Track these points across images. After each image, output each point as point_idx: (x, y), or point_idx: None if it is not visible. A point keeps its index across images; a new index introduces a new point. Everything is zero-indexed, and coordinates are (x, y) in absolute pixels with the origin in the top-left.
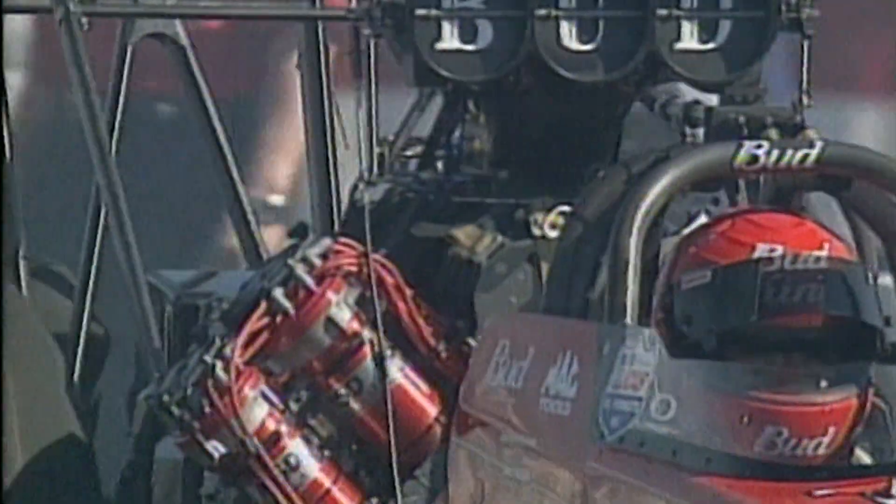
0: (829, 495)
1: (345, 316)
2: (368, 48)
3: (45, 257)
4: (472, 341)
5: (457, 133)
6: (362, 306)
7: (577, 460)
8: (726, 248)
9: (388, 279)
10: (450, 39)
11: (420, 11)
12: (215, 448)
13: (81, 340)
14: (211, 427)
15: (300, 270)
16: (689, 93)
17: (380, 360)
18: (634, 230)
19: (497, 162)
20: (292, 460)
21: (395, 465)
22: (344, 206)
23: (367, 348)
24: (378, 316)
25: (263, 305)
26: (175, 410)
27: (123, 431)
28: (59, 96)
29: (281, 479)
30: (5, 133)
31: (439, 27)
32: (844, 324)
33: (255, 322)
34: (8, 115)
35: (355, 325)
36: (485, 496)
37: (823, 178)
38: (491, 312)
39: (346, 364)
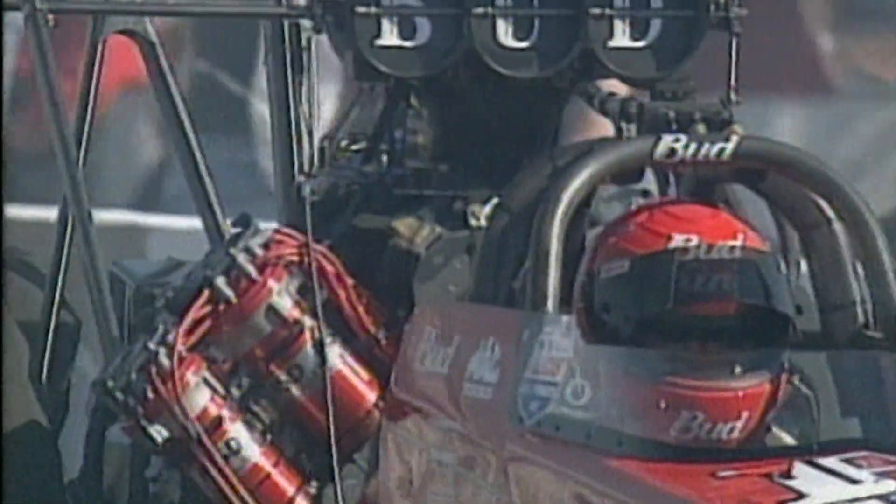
0: (733, 476)
1: (286, 304)
2: (309, 44)
3: (16, 247)
4: None
5: (399, 128)
6: (303, 295)
7: (497, 443)
8: (644, 239)
9: (329, 268)
10: (389, 36)
11: (360, 8)
12: (158, 432)
13: (52, 328)
14: (154, 412)
15: (242, 260)
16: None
17: (320, 347)
18: (556, 221)
19: (437, 155)
20: (233, 444)
21: (334, 449)
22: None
23: (307, 335)
24: (318, 304)
25: (206, 294)
26: (119, 396)
27: None
28: None
29: (222, 462)
30: None
31: (379, 24)
32: (757, 311)
33: (198, 310)
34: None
35: (296, 313)
36: (413, 478)
37: (740, 170)
38: (430, 301)
39: (287, 351)
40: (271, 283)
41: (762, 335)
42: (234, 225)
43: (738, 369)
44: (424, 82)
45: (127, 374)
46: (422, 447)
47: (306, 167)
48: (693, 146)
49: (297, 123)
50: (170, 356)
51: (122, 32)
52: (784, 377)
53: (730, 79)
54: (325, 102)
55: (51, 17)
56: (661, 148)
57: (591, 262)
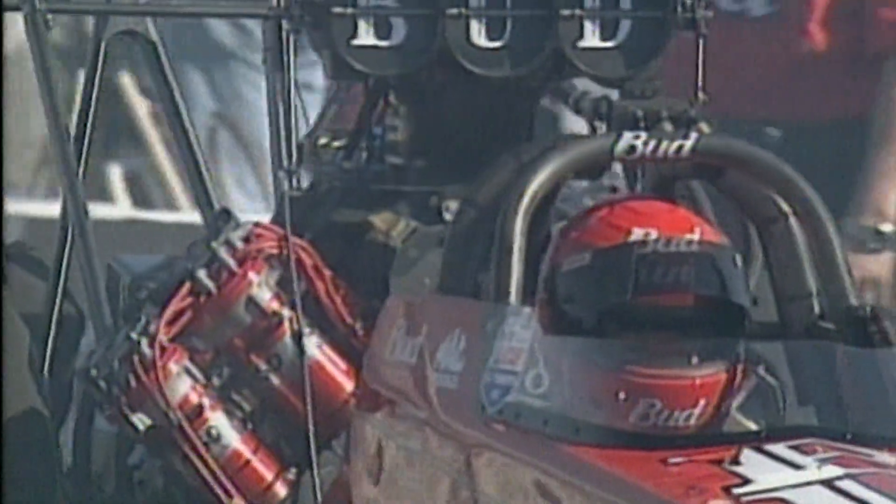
0: (684, 462)
1: (265, 296)
2: (287, 43)
3: (22, 241)
4: None
5: (377, 125)
6: (282, 287)
7: (461, 431)
8: (604, 233)
9: (308, 261)
10: (365, 36)
11: (337, 9)
12: (140, 420)
13: (54, 320)
14: (136, 400)
15: (223, 253)
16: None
17: (298, 338)
18: (519, 215)
19: (413, 152)
20: (214, 432)
21: (312, 437)
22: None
23: (286, 326)
24: (297, 296)
25: (187, 286)
26: (102, 384)
27: None
28: None
29: (202, 449)
30: None
31: (355, 24)
32: (713, 303)
33: (180, 301)
34: (1, 103)
35: (275, 305)
36: (382, 465)
37: (700, 167)
38: (401, 293)
39: (267, 341)
40: (251, 275)
41: (718, 325)
42: (215, 219)
43: (694, 359)
44: (400, 81)
45: (110, 364)
46: (390, 435)
47: (286, 163)
48: (653, 143)
49: (284, 120)
50: (152, 346)
51: (125, 33)
52: (741, 366)
53: (696, 79)
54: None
55: (49, 16)
56: (622, 145)
57: (553, 256)
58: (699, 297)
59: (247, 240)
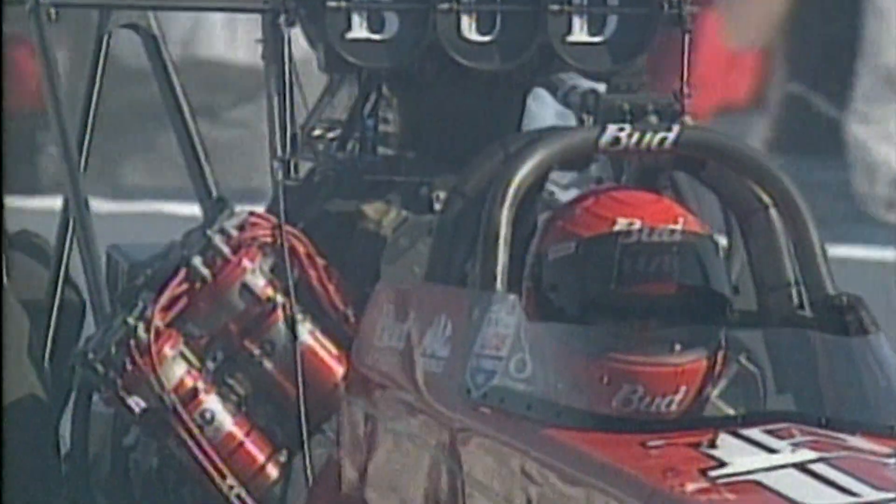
0: (662, 446)
1: (259, 282)
2: (283, 36)
3: (27, 229)
4: None
5: (370, 117)
6: (276, 274)
7: (447, 415)
8: (589, 222)
9: (301, 249)
10: (358, 29)
11: (331, 3)
12: (136, 403)
13: (56, 307)
14: (132, 383)
15: (218, 241)
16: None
17: (291, 324)
18: (506, 205)
19: (405, 143)
20: (208, 415)
21: (303, 420)
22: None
23: (279, 312)
24: (290, 283)
25: (183, 272)
26: (99, 368)
27: None
28: None
29: (196, 431)
30: None
31: (349, 18)
32: (695, 291)
33: (175, 287)
34: (3, 94)
35: (269, 291)
36: (370, 448)
37: (682, 159)
38: (391, 280)
39: (260, 327)
40: (245, 262)
41: (700, 314)
42: (211, 208)
43: (676, 346)
44: (393, 74)
45: (107, 348)
46: (379, 418)
47: (279, 153)
48: (636, 135)
49: (280, 112)
50: (148, 331)
51: (127, 26)
52: (721, 353)
53: (682, 73)
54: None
55: (53, 10)
56: (606, 137)
57: (539, 245)
58: (681, 285)
59: (241, 228)
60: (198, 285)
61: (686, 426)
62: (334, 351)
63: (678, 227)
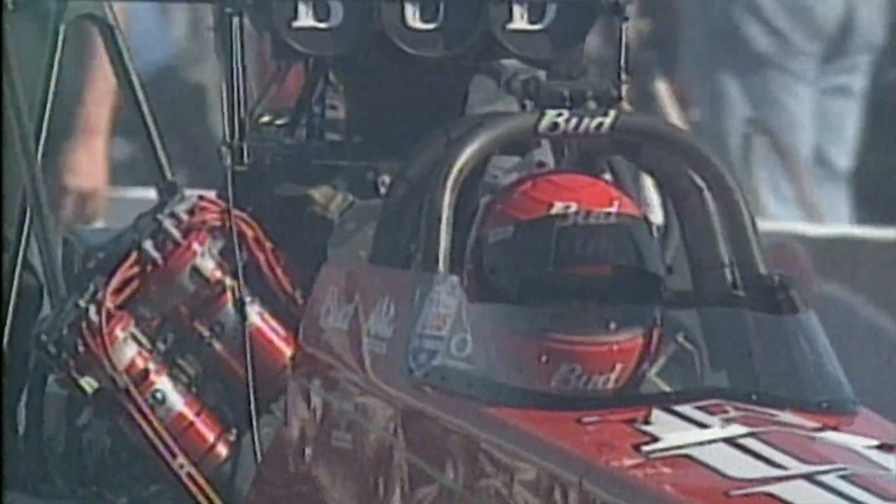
0: (597, 422)
1: (209, 266)
2: (230, 24)
3: None
4: None
5: (317, 103)
6: (225, 257)
7: (390, 394)
8: (527, 206)
9: (249, 233)
10: (305, 18)
11: None
12: (88, 384)
13: (14, 292)
14: (84, 364)
15: (168, 224)
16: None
17: (240, 306)
18: (448, 188)
19: (351, 129)
20: (159, 395)
21: (252, 400)
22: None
23: (228, 295)
24: (239, 266)
25: (134, 256)
26: (52, 349)
27: None
28: None
29: (148, 411)
30: None
31: (295, 7)
32: (630, 272)
33: (126, 270)
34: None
35: (218, 274)
36: (317, 426)
37: (619, 143)
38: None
39: (210, 309)
40: (195, 246)
41: (635, 293)
42: (161, 193)
43: (612, 325)
44: (339, 61)
45: (59, 330)
46: (325, 397)
47: (228, 139)
48: (574, 120)
49: (229, 100)
50: (99, 313)
51: (84, 17)
52: (657, 332)
53: (619, 60)
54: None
55: (9, 1)
56: (545, 122)
57: (479, 228)
58: (617, 266)
59: (191, 212)
60: (148, 268)
61: (622, 403)
62: (282, 332)
63: (614, 209)
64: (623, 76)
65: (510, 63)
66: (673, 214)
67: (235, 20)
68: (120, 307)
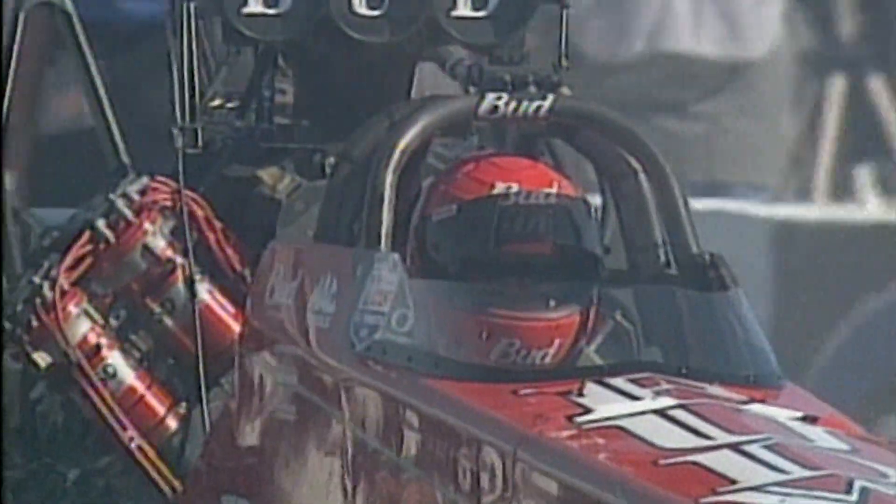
0: (533, 394)
1: (160, 244)
2: (182, 10)
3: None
4: None
5: (267, 87)
6: (176, 236)
7: (333, 367)
8: (470, 186)
9: (200, 212)
10: (254, 4)
11: None
12: (42, 358)
13: None
14: (38, 339)
15: (120, 204)
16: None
17: (190, 283)
18: (390, 168)
19: (299, 113)
20: (110, 370)
21: (201, 374)
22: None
23: (179, 272)
24: (189, 245)
25: (87, 234)
26: (6, 324)
27: None
28: None
29: (99, 385)
30: None
31: None
32: (568, 251)
33: (79, 248)
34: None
35: (169, 253)
36: (263, 399)
37: (557, 126)
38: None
39: (161, 286)
40: (147, 225)
41: (573, 272)
42: (112, 174)
43: (551, 302)
44: (288, 47)
45: (13, 305)
46: (271, 371)
47: (179, 121)
48: (513, 104)
49: (181, 83)
50: (52, 289)
51: (43, 5)
52: (594, 308)
53: (560, 46)
54: None
55: None
56: (485, 105)
57: (423, 207)
58: (555, 245)
59: (143, 192)
60: (101, 246)
61: (557, 376)
62: (231, 309)
63: (553, 190)
64: (563, 61)
65: (453, 49)
66: (609, 196)
67: (187, 5)
68: (73, 284)
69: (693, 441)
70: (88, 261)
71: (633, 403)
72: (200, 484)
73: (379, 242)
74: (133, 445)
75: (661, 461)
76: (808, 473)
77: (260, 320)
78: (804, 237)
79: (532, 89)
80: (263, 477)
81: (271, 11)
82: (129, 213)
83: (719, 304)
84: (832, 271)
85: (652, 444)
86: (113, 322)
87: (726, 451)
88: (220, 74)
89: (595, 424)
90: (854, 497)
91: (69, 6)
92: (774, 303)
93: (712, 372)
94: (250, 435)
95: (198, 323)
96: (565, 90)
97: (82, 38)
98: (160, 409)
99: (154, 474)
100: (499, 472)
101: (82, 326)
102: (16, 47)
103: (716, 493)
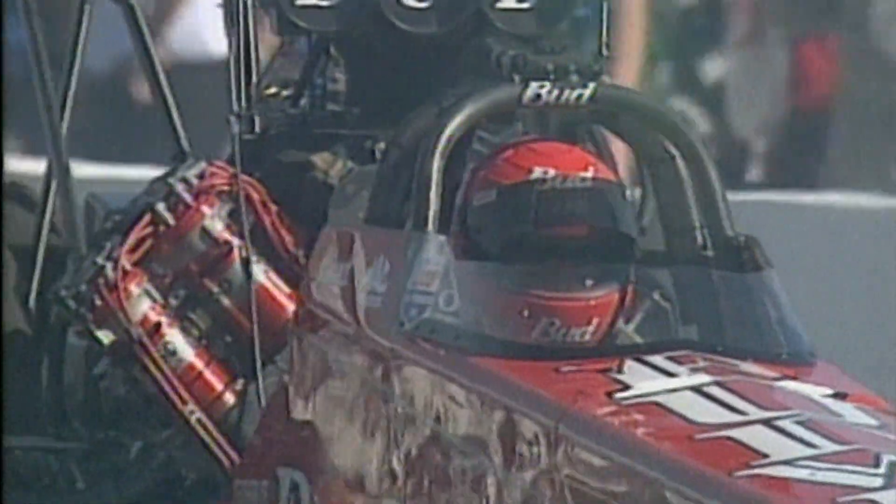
0: (574, 371)
1: (217, 227)
2: (240, 1)
3: (16, 181)
4: None
5: (319, 76)
6: (233, 219)
7: (383, 345)
8: (509, 171)
9: (255, 196)
10: None
11: None
12: (105, 336)
13: (41, 251)
14: (101, 318)
15: (180, 188)
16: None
17: (246, 264)
18: (437, 154)
19: (351, 100)
20: (170, 347)
21: (257, 352)
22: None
23: (236, 254)
24: (246, 227)
25: (147, 217)
26: (71, 303)
27: None
28: None
29: (160, 361)
30: None
31: None
32: (604, 232)
33: (140, 231)
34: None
35: (226, 235)
36: (315, 376)
37: (597, 113)
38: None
39: (219, 267)
40: (205, 208)
41: (609, 252)
42: (172, 160)
43: (589, 282)
44: (339, 37)
45: (78, 286)
46: (322, 348)
47: (235, 108)
48: (556, 92)
49: (237, 72)
50: (115, 269)
51: None
52: (630, 288)
53: (601, 36)
54: None
55: None
56: (529, 93)
57: (465, 192)
58: (592, 227)
59: (201, 177)
60: (161, 229)
61: (597, 354)
62: (286, 289)
63: (588, 174)
64: (605, 51)
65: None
66: (648, 180)
67: None
68: (135, 265)
69: (727, 416)
70: (149, 243)
71: (669, 380)
72: (256, 456)
73: (427, 225)
74: (193, 419)
75: (697, 436)
76: (837, 448)
77: (313, 300)
78: None
79: (574, 78)
80: (316, 450)
81: (324, 3)
82: (187, 197)
83: (754, 284)
84: None
85: (688, 420)
86: (172, 301)
87: (759, 427)
88: (275, 64)
89: (633, 400)
90: (882, 470)
91: None
92: None
93: (746, 350)
94: (304, 410)
95: (254, 302)
96: (606, 79)
97: (145, 30)
98: (218, 385)
99: (213, 447)
100: (541, 446)
101: (143, 305)
102: (81, 38)
103: (749, 467)
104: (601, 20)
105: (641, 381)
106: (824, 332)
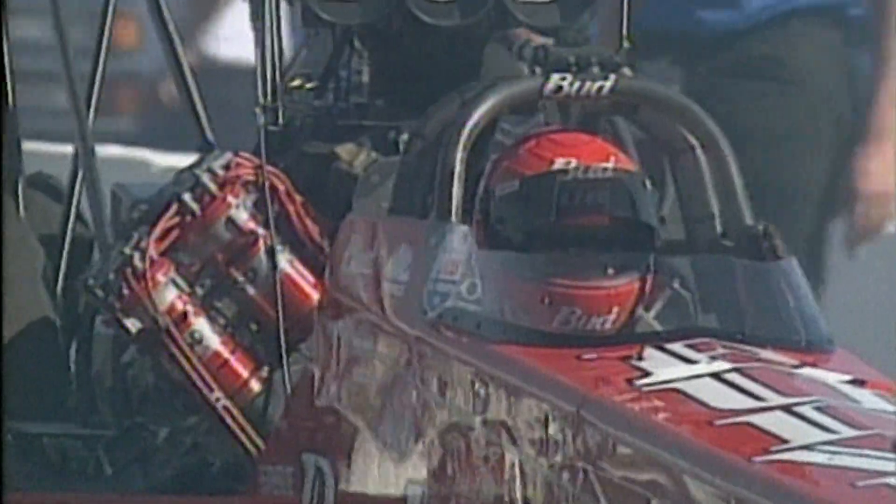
0: (595, 359)
1: (243, 216)
2: None
3: (42, 171)
4: None
5: (344, 68)
6: (258, 209)
7: (407, 333)
8: (531, 162)
9: (280, 187)
10: None
11: None
12: (133, 324)
13: (68, 240)
14: (128, 306)
15: (206, 179)
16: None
17: (272, 254)
18: (460, 145)
19: (375, 92)
20: (197, 335)
21: (282, 340)
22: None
23: (261, 243)
24: (271, 217)
25: (174, 207)
26: (99, 293)
27: None
28: None
29: (187, 349)
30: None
31: None
32: (625, 222)
33: (167, 221)
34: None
35: (252, 225)
36: (340, 363)
37: (618, 104)
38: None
39: (244, 256)
40: (230, 198)
41: (630, 242)
42: (199, 150)
43: (609, 271)
44: (364, 30)
45: (106, 275)
46: (348, 337)
47: (261, 100)
48: (577, 83)
49: (262, 64)
50: (142, 259)
51: None
52: (650, 277)
53: (621, 28)
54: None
55: None
56: (550, 85)
57: (487, 182)
58: (613, 217)
59: (227, 167)
60: (188, 219)
61: (618, 342)
62: (311, 278)
63: (609, 164)
64: (625, 43)
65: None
66: (668, 170)
67: None
68: (162, 254)
69: (747, 403)
70: (176, 232)
71: (689, 367)
72: (282, 442)
73: (450, 215)
74: (219, 406)
75: (717, 422)
76: (855, 433)
77: (338, 289)
78: None
79: (595, 70)
80: (341, 436)
81: None
82: (213, 188)
83: (773, 272)
84: None
85: (708, 406)
86: (199, 290)
87: (778, 413)
88: (300, 56)
89: (654, 387)
90: None
91: None
92: None
93: (765, 337)
94: (328, 397)
95: (279, 291)
96: (627, 70)
97: (171, 23)
98: (244, 373)
99: (239, 433)
100: (563, 432)
101: (170, 294)
102: (108, 23)
103: (768, 452)
104: (622, 12)
105: (661, 368)
106: (842, 319)
